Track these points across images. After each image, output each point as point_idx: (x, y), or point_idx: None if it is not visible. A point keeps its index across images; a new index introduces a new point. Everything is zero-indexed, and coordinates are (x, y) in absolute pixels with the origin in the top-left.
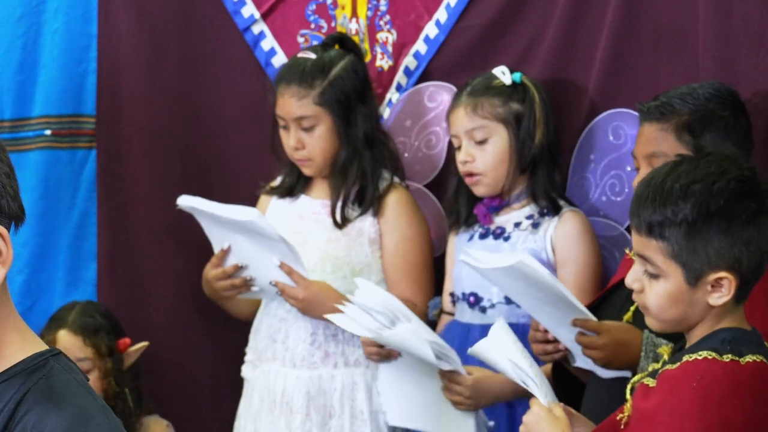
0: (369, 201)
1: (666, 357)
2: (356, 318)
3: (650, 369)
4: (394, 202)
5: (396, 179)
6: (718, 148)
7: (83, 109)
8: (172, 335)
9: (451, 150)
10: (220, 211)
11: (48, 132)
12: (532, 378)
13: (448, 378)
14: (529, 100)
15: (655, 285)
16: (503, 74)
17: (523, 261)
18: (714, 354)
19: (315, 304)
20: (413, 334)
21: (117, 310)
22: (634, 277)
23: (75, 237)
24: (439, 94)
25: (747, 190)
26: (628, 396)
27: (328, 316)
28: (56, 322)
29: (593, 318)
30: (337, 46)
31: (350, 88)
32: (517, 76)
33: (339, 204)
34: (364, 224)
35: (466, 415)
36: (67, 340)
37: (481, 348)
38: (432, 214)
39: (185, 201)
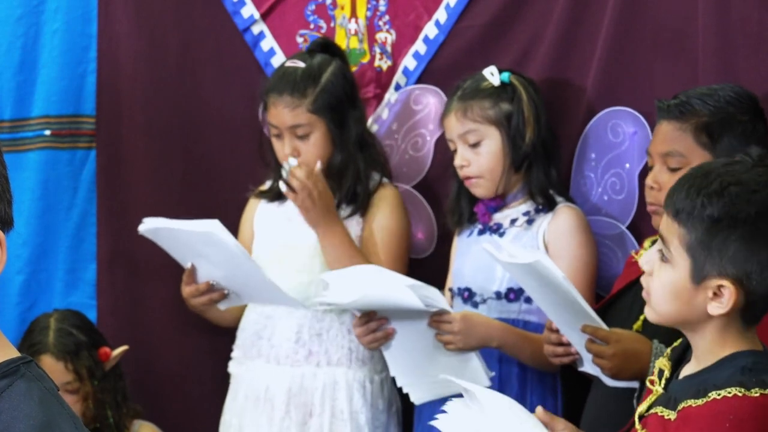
0: (361, 202)
1: (667, 373)
2: (339, 296)
3: (654, 393)
4: (380, 198)
5: (385, 179)
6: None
7: (83, 109)
8: (171, 335)
9: (438, 151)
10: (181, 226)
11: (47, 132)
12: None
13: (436, 320)
14: (517, 99)
15: (663, 271)
16: (492, 75)
17: (540, 261)
18: (743, 390)
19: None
20: (393, 285)
21: (116, 310)
22: (647, 259)
23: (74, 237)
24: (425, 97)
25: None
26: (637, 425)
27: (319, 300)
28: (36, 347)
29: (604, 326)
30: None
31: (341, 93)
32: (506, 76)
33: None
34: (351, 223)
35: (469, 360)
36: (50, 365)
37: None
38: (421, 215)
39: (147, 224)
